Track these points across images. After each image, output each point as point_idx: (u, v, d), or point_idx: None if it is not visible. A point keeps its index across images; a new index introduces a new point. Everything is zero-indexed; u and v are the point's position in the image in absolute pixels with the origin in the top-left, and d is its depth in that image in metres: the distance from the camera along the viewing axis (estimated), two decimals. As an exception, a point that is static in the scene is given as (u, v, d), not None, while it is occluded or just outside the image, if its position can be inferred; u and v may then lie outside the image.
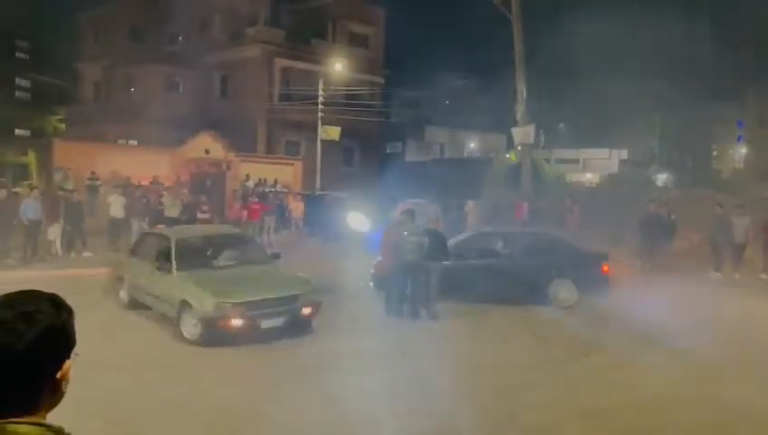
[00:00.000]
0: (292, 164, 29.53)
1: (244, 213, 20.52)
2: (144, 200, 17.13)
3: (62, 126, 40.51)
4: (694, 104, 39.71)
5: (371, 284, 10.56)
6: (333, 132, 30.37)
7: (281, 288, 8.20)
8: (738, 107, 42.91)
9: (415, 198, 19.46)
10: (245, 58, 32.38)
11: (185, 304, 7.82)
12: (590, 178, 44.69)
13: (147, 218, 16.64)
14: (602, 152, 49.94)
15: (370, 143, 35.77)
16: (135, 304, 9.19)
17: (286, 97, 32.45)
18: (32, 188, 15.79)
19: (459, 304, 9.86)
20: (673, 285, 11.52)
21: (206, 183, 24.48)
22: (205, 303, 7.63)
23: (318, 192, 25.50)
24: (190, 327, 7.72)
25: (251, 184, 24.65)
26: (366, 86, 34.55)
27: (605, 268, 10.31)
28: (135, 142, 31.10)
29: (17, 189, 17.39)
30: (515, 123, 20.78)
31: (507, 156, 41.19)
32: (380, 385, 6.37)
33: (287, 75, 33.33)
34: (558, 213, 18.34)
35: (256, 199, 21.24)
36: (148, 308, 8.95)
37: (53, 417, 1.27)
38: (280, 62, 32.87)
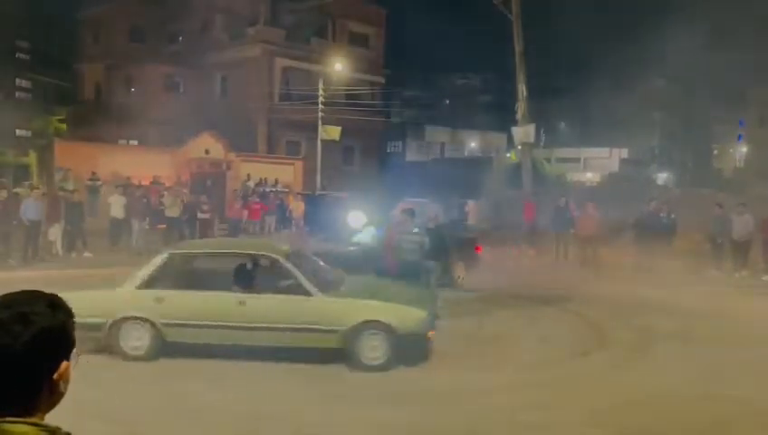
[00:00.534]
0: (293, 164, 29.55)
1: (245, 213, 20.53)
2: (144, 200, 17.14)
3: (63, 126, 40.51)
4: (694, 103, 39.70)
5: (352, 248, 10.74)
6: (334, 132, 30.38)
7: (423, 300, 7.43)
8: (739, 106, 42.86)
9: (415, 198, 19.48)
10: (246, 58, 32.40)
11: (368, 325, 6.72)
12: (590, 177, 44.72)
13: (147, 218, 16.65)
14: (603, 151, 49.95)
15: (371, 143, 35.80)
16: (164, 350, 6.92)
17: (287, 97, 32.47)
18: (32, 188, 15.82)
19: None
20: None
21: (207, 183, 24.49)
22: (414, 317, 6.80)
23: (318, 192, 25.51)
24: (373, 352, 6.70)
25: (251, 184, 24.68)
26: (366, 86, 34.58)
27: (478, 249, 12.61)
28: (135, 142, 31.14)
29: (18, 190, 17.40)
30: (516, 122, 20.78)
31: (508, 155, 41.25)
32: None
33: (287, 75, 33.34)
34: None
35: (257, 199, 21.26)
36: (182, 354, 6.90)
37: (54, 417, 1.28)
38: (280, 62, 32.89)
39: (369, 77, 35.38)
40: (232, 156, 26.70)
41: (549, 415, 5.62)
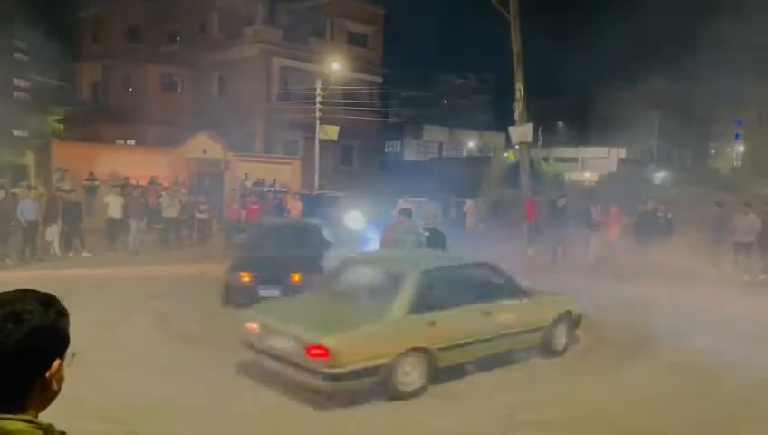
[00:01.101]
0: (291, 164, 29.54)
1: (243, 213, 20.52)
2: (142, 200, 17.12)
3: (61, 126, 40.46)
4: (692, 102, 39.74)
5: None
6: (332, 132, 30.37)
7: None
8: (736, 105, 42.96)
9: (414, 197, 19.50)
10: (244, 57, 32.38)
11: (562, 317, 7.50)
12: (588, 176, 44.75)
13: (145, 219, 16.64)
14: (601, 151, 50.00)
15: (369, 142, 35.79)
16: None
17: (285, 96, 32.46)
18: (30, 188, 15.78)
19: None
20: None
21: (205, 183, 24.48)
22: (578, 301, 7.95)
23: (316, 192, 25.51)
24: (561, 339, 7.50)
25: (249, 184, 24.67)
26: (364, 85, 34.58)
27: None
28: (133, 142, 31.11)
29: (16, 190, 17.36)
30: (513, 122, 20.79)
31: (506, 155, 41.29)
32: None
33: (285, 75, 33.33)
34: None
35: (255, 199, 21.24)
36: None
37: (54, 418, 1.28)
38: (278, 62, 32.88)
39: (367, 77, 35.39)
40: (230, 156, 26.68)
41: (549, 415, 5.63)
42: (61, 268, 12.66)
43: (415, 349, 5.91)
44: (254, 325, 6.28)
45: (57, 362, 1.28)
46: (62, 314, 1.32)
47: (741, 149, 47.89)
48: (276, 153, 31.10)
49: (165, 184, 21.49)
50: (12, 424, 1.19)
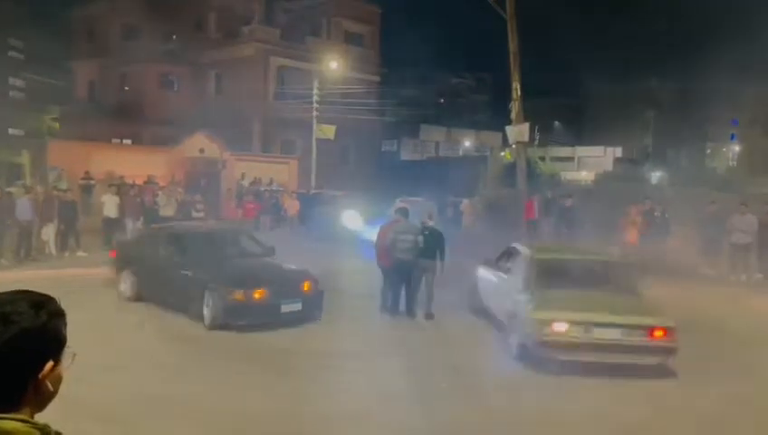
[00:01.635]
0: (288, 163, 29.52)
1: (240, 212, 20.51)
2: (138, 200, 17.09)
3: (57, 125, 40.38)
4: (688, 102, 39.86)
5: None
6: (329, 131, 30.36)
7: None
8: (732, 105, 43.05)
9: (410, 197, 19.50)
10: (241, 57, 32.34)
11: None
12: (585, 175, 44.81)
13: (141, 218, 16.60)
14: (597, 150, 50.09)
15: (366, 142, 35.77)
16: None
17: (282, 96, 32.44)
18: (26, 188, 15.72)
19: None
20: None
21: (202, 182, 24.45)
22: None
23: (313, 191, 25.50)
24: None
25: (246, 183, 24.64)
26: (362, 84, 34.54)
27: None
28: (129, 141, 31.05)
29: (11, 189, 17.30)
30: (510, 121, 20.79)
31: (502, 154, 41.29)
32: (374, 383, 6.38)
33: (282, 74, 33.30)
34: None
35: (251, 198, 21.23)
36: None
37: (52, 418, 1.28)
38: (275, 61, 32.84)
39: (364, 76, 35.36)
40: (227, 155, 26.63)
41: (549, 414, 5.64)
42: (57, 268, 12.62)
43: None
44: (561, 324, 6.61)
45: (50, 363, 1.27)
46: (56, 315, 1.31)
47: (737, 148, 47.97)
48: (273, 152, 31.07)
49: (161, 183, 21.46)
50: (8, 423, 1.19)
